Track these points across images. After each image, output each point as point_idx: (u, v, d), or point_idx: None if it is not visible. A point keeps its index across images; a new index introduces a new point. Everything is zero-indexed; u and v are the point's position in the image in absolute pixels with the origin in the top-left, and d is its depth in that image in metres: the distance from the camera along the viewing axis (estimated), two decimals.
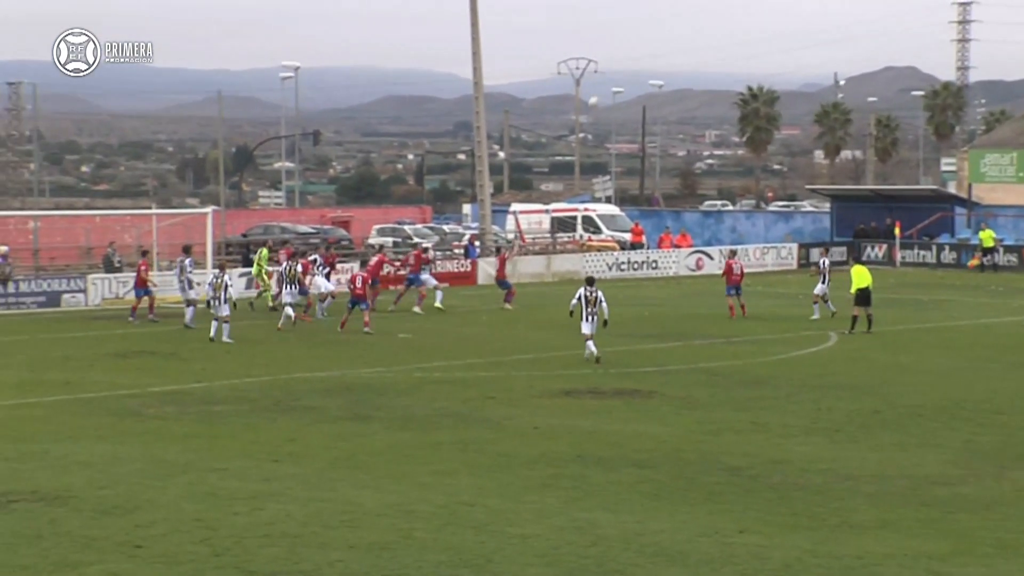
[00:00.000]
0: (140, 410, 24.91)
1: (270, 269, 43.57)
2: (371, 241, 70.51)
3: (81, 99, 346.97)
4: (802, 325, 39.33)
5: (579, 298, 31.35)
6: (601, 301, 31.18)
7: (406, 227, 74.32)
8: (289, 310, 38.46)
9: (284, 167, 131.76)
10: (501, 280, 45.68)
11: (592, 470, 19.49)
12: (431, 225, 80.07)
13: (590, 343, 30.90)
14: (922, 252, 67.14)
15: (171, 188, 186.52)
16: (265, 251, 45.07)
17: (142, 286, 40.69)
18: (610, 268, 61.54)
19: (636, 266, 62.12)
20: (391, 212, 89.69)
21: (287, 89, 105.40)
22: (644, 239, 69.96)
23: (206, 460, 20.15)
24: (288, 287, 39.31)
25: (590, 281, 32.03)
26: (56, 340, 36.57)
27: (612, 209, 78.66)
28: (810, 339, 36.27)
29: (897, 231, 66.17)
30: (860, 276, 37.37)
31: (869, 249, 67.03)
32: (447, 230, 75.74)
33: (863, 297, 37.09)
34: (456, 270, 55.42)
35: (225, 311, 34.91)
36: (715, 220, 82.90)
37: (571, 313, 31.67)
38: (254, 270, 45.02)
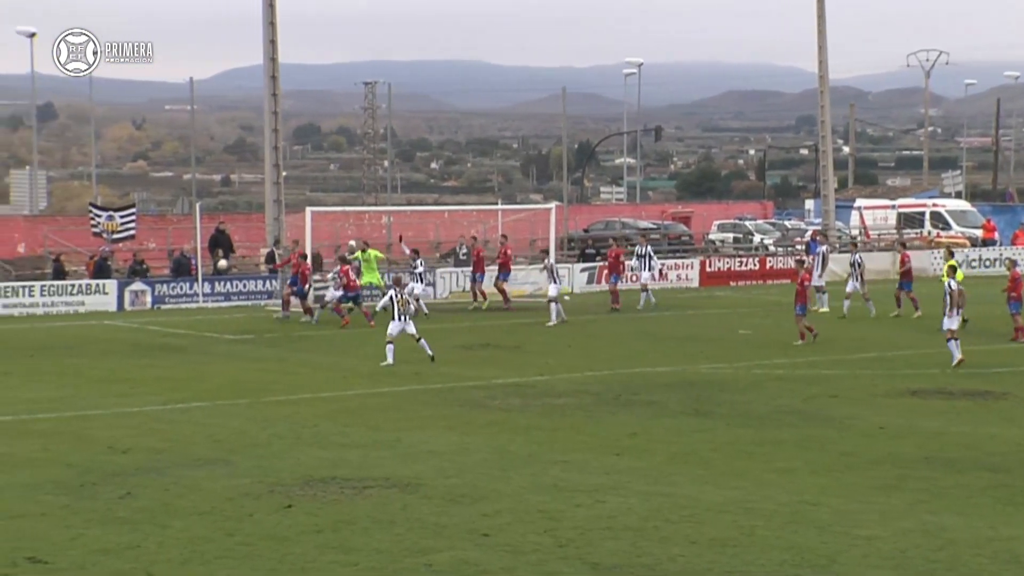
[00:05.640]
0: (485, 402, 25.55)
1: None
2: (711, 236, 70.24)
3: (431, 98, 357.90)
4: None
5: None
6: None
7: (747, 223, 73.63)
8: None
9: (625, 163, 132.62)
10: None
11: (940, 472, 18.94)
12: (772, 220, 79.08)
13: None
14: None
15: (515, 184, 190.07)
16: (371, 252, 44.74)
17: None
18: (960, 265, 59.55)
19: (988, 263, 60.14)
20: (732, 208, 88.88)
21: (630, 85, 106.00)
22: (997, 235, 67.53)
23: (548, 452, 20.50)
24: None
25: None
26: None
27: (962, 204, 76.17)
28: None
29: None
30: None
31: None
32: (788, 226, 74.66)
33: None
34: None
35: (328, 295, 40.59)
36: None
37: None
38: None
